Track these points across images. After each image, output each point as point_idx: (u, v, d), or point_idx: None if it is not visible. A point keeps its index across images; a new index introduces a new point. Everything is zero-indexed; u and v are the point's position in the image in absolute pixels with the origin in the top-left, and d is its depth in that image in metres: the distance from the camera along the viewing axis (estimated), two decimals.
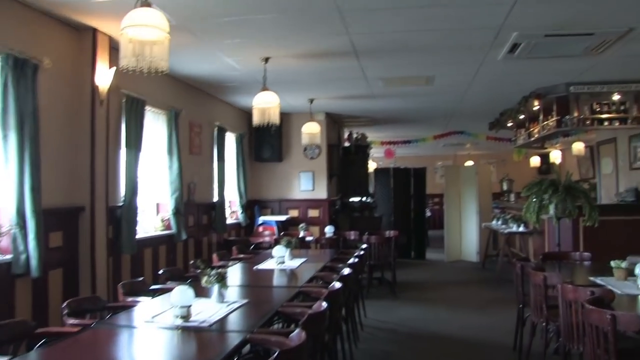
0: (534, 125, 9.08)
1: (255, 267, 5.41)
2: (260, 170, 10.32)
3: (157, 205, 7.08)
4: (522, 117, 9.06)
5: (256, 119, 6.04)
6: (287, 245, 5.79)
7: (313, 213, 10.13)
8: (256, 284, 4.72)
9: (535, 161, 15.83)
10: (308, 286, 4.31)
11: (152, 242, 6.56)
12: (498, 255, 10.81)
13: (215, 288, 3.64)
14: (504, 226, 9.09)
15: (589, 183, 11.59)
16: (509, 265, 9.48)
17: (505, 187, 11.93)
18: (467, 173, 11.70)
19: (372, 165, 14.11)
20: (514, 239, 9.57)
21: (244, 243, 8.25)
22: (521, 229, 8.43)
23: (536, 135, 8.92)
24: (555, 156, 13.80)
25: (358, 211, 11.09)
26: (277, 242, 7.89)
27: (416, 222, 12.04)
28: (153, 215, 6.96)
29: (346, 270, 4.55)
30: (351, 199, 11.38)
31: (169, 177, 6.91)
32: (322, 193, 10.11)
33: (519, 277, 4.83)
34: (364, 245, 6.62)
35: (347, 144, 11.82)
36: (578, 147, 11.93)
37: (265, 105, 5.99)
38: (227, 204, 8.91)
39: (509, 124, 9.99)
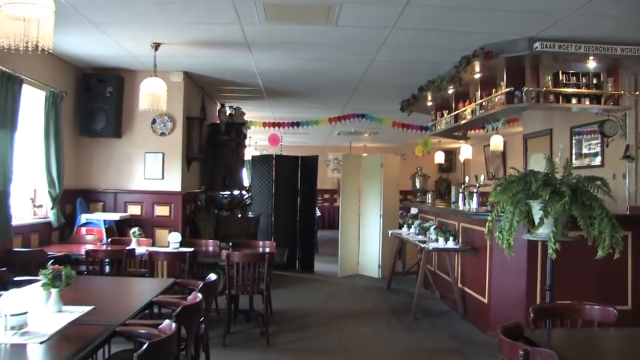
0: (464, 103, 6.80)
1: None
2: (89, 148, 7.22)
3: None
4: (450, 91, 6.71)
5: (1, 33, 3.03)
6: (53, 284, 2.90)
7: (161, 211, 7.20)
8: None
9: (439, 158, 13.93)
10: None
11: None
12: (406, 273, 8.54)
13: None
14: (421, 237, 6.70)
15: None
16: (426, 292, 7.21)
17: (418, 185, 9.71)
18: (370, 165, 9.26)
19: (249, 152, 11.42)
20: (431, 254, 7.25)
21: (37, 257, 5.25)
22: (450, 244, 6.00)
23: (469, 117, 6.62)
24: (466, 152, 11.85)
25: (227, 209, 8.28)
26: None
27: (303, 224, 9.55)
28: None
29: None
30: (219, 193, 8.58)
31: None
32: (174, 183, 7.20)
33: None
34: (213, 276, 3.74)
35: (217, 121, 8.96)
36: (497, 141, 9.95)
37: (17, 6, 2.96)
38: (20, 195, 6.02)
39: (429, 103, 7.67)
